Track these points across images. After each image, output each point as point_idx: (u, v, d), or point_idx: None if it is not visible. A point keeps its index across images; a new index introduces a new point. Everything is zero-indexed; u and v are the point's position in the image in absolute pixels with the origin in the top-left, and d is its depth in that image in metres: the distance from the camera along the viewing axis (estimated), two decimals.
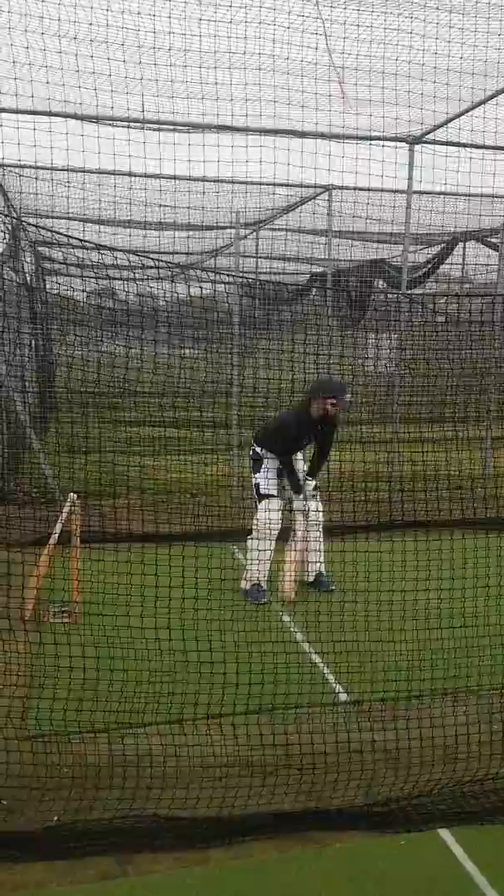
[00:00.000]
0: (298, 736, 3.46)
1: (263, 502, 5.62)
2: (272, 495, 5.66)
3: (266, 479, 5.70)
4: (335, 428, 5.79)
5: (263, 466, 5.72)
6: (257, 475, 5.74)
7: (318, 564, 5.78)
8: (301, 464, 5.87)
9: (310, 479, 5.80)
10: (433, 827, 3.06)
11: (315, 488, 5.85)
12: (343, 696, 4.08)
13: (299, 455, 5.90)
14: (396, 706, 3.89)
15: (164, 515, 6.35)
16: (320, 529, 5.76)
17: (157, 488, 7.52)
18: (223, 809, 3.03)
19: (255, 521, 5.61)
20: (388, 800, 3.18)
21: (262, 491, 5.68)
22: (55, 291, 9.99)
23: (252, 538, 5.57)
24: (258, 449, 5.76)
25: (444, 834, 3.03)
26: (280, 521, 5.62)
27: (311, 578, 5.81)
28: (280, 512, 5.64)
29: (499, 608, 4.02)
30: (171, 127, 6.40)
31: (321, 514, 5.76)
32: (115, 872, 2.75)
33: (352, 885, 2.76)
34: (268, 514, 5.54)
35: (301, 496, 5.70)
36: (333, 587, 5.61)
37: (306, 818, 3.05)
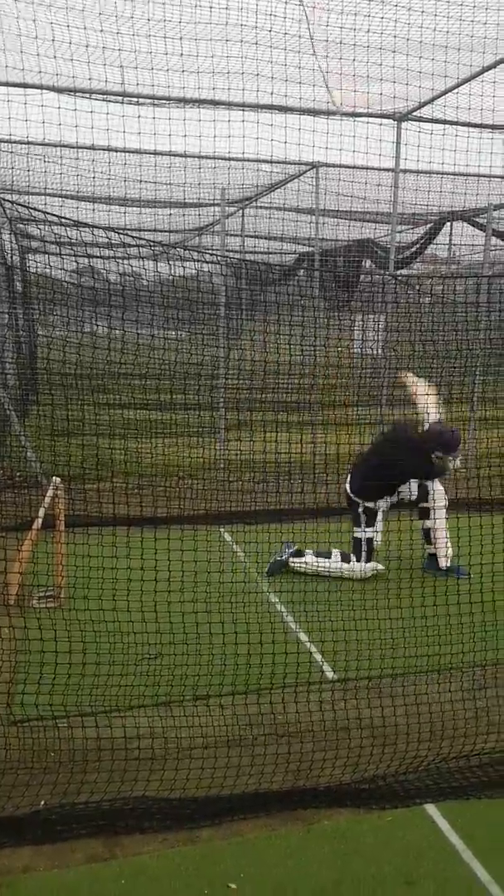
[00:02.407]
0: (286, 715, 3.48)
1: (369, 566, 5.52)
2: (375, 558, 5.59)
3: (375, 531, 5.53)
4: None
5: (379, 518, 5.52)
6: (371, 529, 5.49)
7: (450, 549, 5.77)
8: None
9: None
10: (419, 802, 3.09)
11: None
12: (330, 675, 4.10)
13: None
14: (382, 684, 3.91)
15: (150, 499, 6.32)
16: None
17: (143, 471, 7.48)
18: (212, 789, 3.04)
19: (348, 569, 5.51)
20: (374, 776, 3.20)
21: (372, 546, 5.53)
22: (35, 270, 9.84)
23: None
24: (367, 503, 5.48)
25: (430, 809, 3.06)
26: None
27: (445, 565, 5.77)
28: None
29: (482, 585, 4.04)
30: (152, 101, 6.28)
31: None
32: (103, 855, 2.75)
33: (340, 861, 2.78)
34: (369, 568, 5.52)
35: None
36: (465, 573, 5.51)
37: (294, 796, 3.07)
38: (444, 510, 5.64)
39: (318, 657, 4.26)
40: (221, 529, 6.33)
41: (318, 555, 5.56)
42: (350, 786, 3.16)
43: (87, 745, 3.23)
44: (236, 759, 3.23)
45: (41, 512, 4.78)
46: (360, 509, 5.49)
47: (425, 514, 5.70)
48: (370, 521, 5.49)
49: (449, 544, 5.61)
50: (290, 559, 5.57)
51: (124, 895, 2.58)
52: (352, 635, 4.05)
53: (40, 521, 4.73)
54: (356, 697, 3.77)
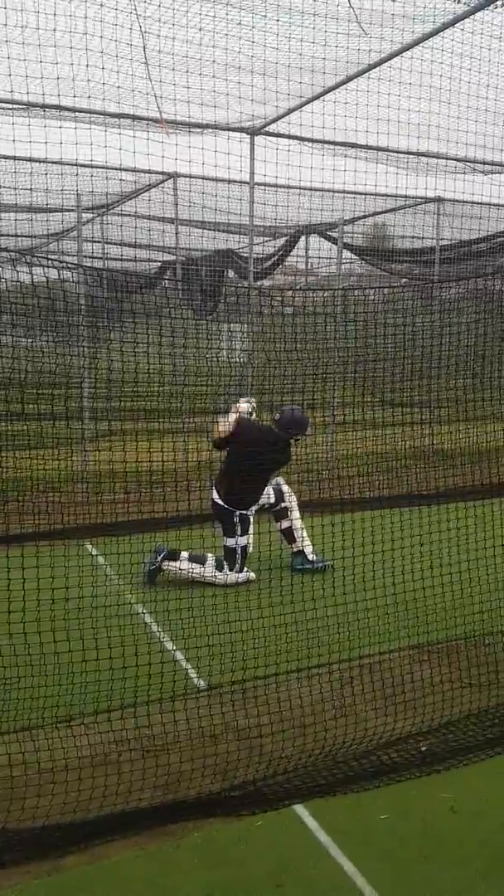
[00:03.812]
0: (151, 729, 3.42)
1: (243, 576, 5.61)
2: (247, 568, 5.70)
3: (247, 536, 5.64)
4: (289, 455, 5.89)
5: (251, 522, 5.68)
6: (244, 536, 5.59)
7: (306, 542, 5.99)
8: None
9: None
10: (288, 804, 3.13)
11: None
12: (198, 683, 4.09)
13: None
14: (248, 688, 3.94)
15: (10, 515, 6.04)
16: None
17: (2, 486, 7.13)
18: (77, 814, 2.93)
19: (222, 577, 5.56)
20: (243, 782, 3.22)
21: (246, 552, 5.66)
22: None
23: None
24: (239, 510, 5.59)
25: (299, 809, 3.11)
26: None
27: (312, 558, 5.96)
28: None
29: (346, 584, 4.19)
30: (10, 106, 6.04)
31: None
32: None
33: (212, 872, 2.77)
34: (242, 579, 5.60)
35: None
36: (322, 565, 5.79)
37: (163, 812, 3.02)
38: (296, 508, 5.96)
39: (187, 666, 4.24)
40: (87, 543, 6.15)
41: (192, 559, 5.55)
42: (220, 794, 3.16)
43: None
44: (101, 779, 3.13)
45: None
46: (236, 518, 5.55)
47: (282, 514, 5.89)
48: (245, 529, 5.57)
49: (306, 535, 5.86)
50: (165, 562, 5.53)
51: None
52: (218, 640, 4.05)
53: None
54: (222, 704, 3.77)
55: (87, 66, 5.18)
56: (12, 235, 11.46)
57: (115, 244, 12.41)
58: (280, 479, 6.06)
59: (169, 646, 4.46)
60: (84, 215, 8.58)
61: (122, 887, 2.67)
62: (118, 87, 5.43)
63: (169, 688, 3.75)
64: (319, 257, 12.97)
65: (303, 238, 11.48)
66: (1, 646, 3.47)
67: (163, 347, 5.72)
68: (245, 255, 11.48)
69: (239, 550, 5.55)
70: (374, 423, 6.30)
